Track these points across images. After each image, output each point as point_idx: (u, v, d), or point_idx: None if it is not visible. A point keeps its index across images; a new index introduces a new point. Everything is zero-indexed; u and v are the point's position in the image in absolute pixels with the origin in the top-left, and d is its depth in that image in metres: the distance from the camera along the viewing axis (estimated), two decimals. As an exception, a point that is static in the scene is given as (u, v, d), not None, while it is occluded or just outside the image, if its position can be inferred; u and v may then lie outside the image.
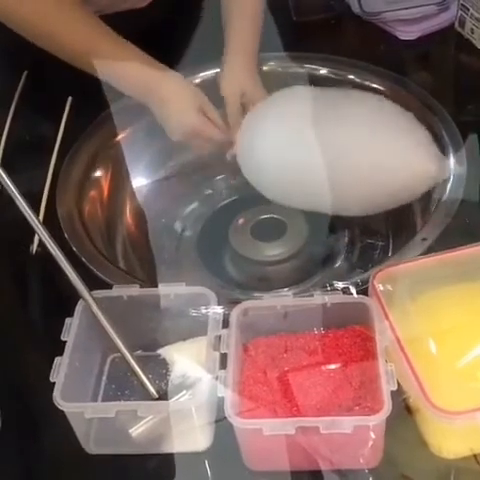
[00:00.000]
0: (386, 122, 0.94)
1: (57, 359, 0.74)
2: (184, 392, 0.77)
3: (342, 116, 0.95)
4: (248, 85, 1.02)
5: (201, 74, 1.12)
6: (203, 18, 1.26)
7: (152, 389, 0.77)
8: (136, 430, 0.73)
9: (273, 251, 1.03)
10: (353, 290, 0.78)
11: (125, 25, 1.03)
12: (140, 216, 1.09)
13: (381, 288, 0.75)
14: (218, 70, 1.06)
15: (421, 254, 0.85)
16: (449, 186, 0.94)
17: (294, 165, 0.94)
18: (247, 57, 1.04)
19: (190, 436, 0.74)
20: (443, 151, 0.99)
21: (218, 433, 0.75)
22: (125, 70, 0.97)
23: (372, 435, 0.70)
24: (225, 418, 0.69)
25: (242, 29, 1.04)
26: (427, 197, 0.98)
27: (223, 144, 1.01)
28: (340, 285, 0.79)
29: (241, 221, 1.07)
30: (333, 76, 1.14)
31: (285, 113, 0.97)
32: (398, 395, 0.71)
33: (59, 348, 0.75)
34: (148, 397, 0.77)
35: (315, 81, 1.08)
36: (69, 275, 0.79)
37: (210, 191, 1.15)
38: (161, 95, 0.98)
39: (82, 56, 0.95)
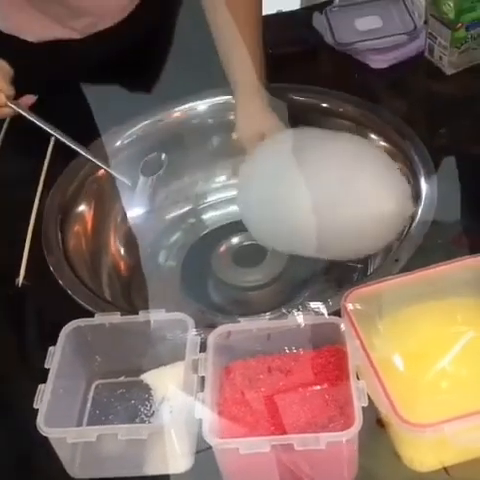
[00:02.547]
0: (361, 165, 0.95)
1: (40, 386, 0.76)
2: (166, 415, 0.80)
3: (319, 161, 0.96)
4: (265, 125, 1.02)
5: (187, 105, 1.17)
6: (182, 34, 1.29)
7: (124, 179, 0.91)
8: None
9: (254, 276, 1.07)
10: (324, 311, 0.81)
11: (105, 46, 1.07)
12: (125, 248, 1.12)
13: (351, 308, 0.78)
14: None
15: (394, 274, 0.88)
16: (421, 208, 0.98)
17: (277, 210, 0.97)
18: (258, 94, 1.04)
19: (171, 458, 0.76)
20: (415, 174, 1.02)
21: (199, 454, 0.78)
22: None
23: (346, 450, 0.72)
24: (210, 448, 0.72)
25: (247, 64, 1.04)
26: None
27: None
28: (312, 306, 0.81)
29: (223, 248, 1.10)
30: (309, 105, 1.17)
31: (274, 160, 0.99)
32: (371, 411, 0.74)
33: (45, 376, 0.78)
34: (131, 420, 0.80)
35: (292, 110, 1.12)
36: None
37: (193, 220, 1.19)
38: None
39: None
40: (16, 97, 1.02)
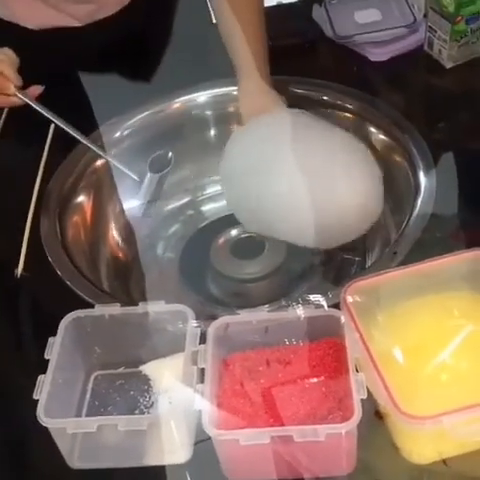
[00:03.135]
0: (337, 157, 0.97)
1: (40, 377, 0.76)
2: (165, 406, 0.80)
3: (300, 149, 0.97)
4: (266, 103, 1.04)
5: (187, 96, 1.17)
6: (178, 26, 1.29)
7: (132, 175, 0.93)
8: None
9: (253, 269, 1.07)
10: (324, 303, 0.81)
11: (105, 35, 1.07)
12: (123, 239, 1.13)
13: (351, 300, 0.78)
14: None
15: (392, 268, 0.88)
16: (420, 201, 0.98)
17: (255, 193, 0.98)
18: (261, 79, 1.05)
19: (171, 449, 0.77)
20: (414, 168, 1.03)
21: (198, 445, 0.78)
22: None
23: (345, 442, 0.72)
24: (209, 439, 0.72)
25: (250, 50, 1.05)
26: (400, 213, 1.01)
27: None
28: (312, 299, 0.82)
29: (222, 240, 1.10)
30: (309, 97, 1.17)
31: (257, 140, 1.01)
32: (370, 403, 0.74)
33: (44, 367, 0.78)
34: (130, 411, 0.80)
35: (291, 102, 1.12)
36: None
37: (192, 212, 1.19)
38: None
39: None
40: (23, 87, 1.02)
